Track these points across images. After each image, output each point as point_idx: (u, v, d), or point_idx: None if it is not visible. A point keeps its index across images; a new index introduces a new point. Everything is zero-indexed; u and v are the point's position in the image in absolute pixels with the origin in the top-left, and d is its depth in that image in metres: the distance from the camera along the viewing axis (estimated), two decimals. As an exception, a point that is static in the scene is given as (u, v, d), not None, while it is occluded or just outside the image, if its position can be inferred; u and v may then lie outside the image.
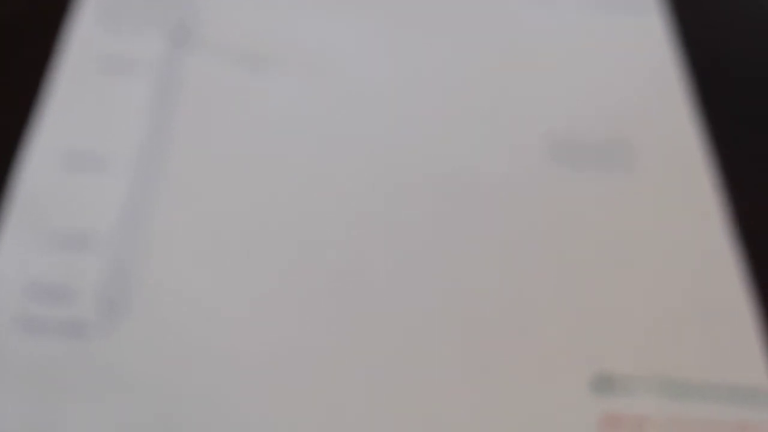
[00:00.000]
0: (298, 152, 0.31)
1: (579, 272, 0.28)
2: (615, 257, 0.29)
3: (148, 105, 0.32)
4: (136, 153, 0.31)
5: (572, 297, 0.28)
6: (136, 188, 0.30)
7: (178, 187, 0.30)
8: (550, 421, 0.25)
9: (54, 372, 0.25)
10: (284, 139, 0.31)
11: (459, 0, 0.37)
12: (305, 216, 0.29)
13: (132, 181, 0.30)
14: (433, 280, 0.28)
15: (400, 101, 0.33)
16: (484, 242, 0.29)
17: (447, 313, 0.27)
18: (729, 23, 0.36)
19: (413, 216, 0.29)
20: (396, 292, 0.28)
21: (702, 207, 0.30)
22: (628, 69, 0.34)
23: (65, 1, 0.35)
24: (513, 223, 0.29)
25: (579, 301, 0.28)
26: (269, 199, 0.30)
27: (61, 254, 0.28)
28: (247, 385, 0.25)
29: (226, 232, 0.29)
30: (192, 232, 0.29)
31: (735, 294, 0.28)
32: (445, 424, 0.25)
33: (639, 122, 0.32)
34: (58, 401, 0.25)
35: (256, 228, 0.29)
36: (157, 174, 0.30)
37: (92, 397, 0.25)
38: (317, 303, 0.27)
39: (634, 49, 0.35)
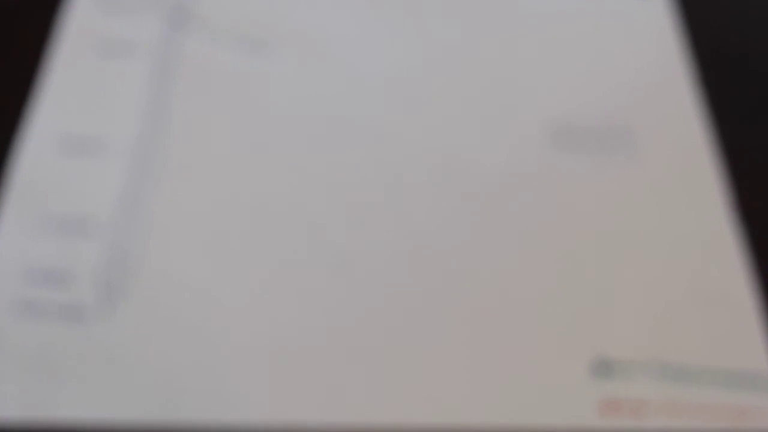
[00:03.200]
0: (298, 136, 0.31)
1: (580, 258, 0.28)
2: (616, 243, 0.29)
3: (147, 88, 0.32)
4: (134, 137, 0.30)
5: (572, 282, 0.28)
6: (135, 172, 0.30)
7: (176, 172, 0.30)
8: (550, 405, 0.25)
9: (52, 356, 0.25)
10: (284, 123, 0.31)
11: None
12: (305, 201, 0.29)
13: (130, 165, 0.30)
14: (434, 266, 0.28)
15: (400, 86, 0.33)
16: (486, 228, 0.29)
17: (448, 298, 0.27)
18: (732, 9, 0.36)
19: (415, 202, 0.29)
20: (397, 278, 0.28)
21: (704, 193, 0.30)
22: (631, 54, 0.34)
23: (62, -17, 0.35)
24: (514, 209, 0.29)
25: (579, 287, 0.28)
26: (269, 184, 0.30)
27: (60, 239, 0.28)
28: (244, 369, 0.25)
29: (225, 216, 0.29)
30: (190, 216, 0.29)
31: (736, 279, 0.28)
32: (446, 408, 0.25)
33: (641, 108, 0.32)
34: (56, 384, 0.25)
35: (255, 212, 0.29)
36: (155, 158, 0.30)
37: (90, 380, 0.25)
38: (316, 288, 0.27)
39: (637, 34, 0.35)
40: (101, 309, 0.26)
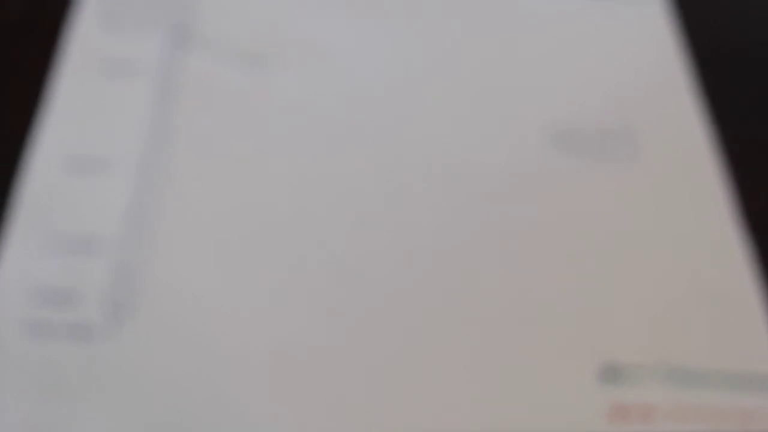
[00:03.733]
0: (301, 150, 0.31)
1: (584, 262, 0.28)
2: (620, 246, 0.29)
3: (151, 106, 0.32)
4: (139, 155, 0.31)
5: (578, 287, 0.28)
6: (141, 190, 0.30)
7: (182, 189, 0.30)
8: (558, 412, 0.25)
9: (60, 375, 0.25)
10: (287, 137, 0.31)
11: (459, -9, 0.36)
12: (309, 214, 0.29)
13: (136, 183, 0.30)
14: (438, 272, 0.28)
15: (401, 95, 0.33)
16: (489, 233, 0.29)
17: (453, 304, 0.27)
18: (732, 9, 0.36)
19: (417, 208, 0.29)
20: (401, 286, 0.28)
21: (706, 194, 0.30)
22: (631, 56, 0.34)
23: (65, 3, 0.35)
24: (517, 214, 0.29)
25: (585, 291, 0.28)
26: (274, 199, 0.30)
27: (67, 258, 0.28)
28: (253, 387, 0.25)
29: (231, 232, 0.29)
30: (197, 233, 0.29)
31: (741, 281, 0.28)
32: (454, 416, 0.25)
33: (642, 110, 0.32)
34: (64, 404, 0.25)
35: (261, 228, 0.29)
36: (161, 176, 0.30)
37: (99, 400, 0.25)
38: (323, 302, 0.27)
39: (637, 36, 0.35)
40: (109, 327, 0.27)
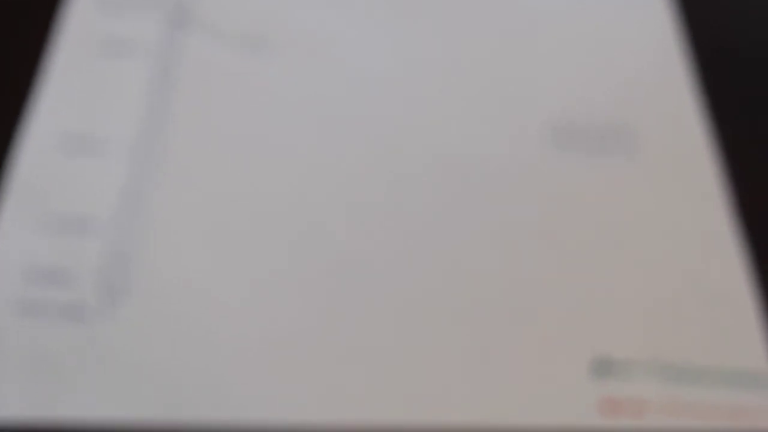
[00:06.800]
0: (299, 135, 0.31)
1: (580, 256, 0.28)
2: (616, 242, 0.29)
3: (147, 87, 0.32)
4: (134, 136, 0.30)
5: (573, 281, 0.28)
6: (135, 172, 0.30)
7: (177, 171, 0.30)
8: (549, 405, 0.25)
9: (53, 355, 0.25)
10: (284, 122, 0.31)
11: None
12: (306, 199, 0.29)
13: (131, 164, 0.30)
14: (434, 264, 0.28)
15: (400, 85, 0.33)
16: (485, 227, 0.29)
17: (448, 297, 0.27)
18: (732, 9, 0.36)
19: (414, 200, 0.29)
20: (397, 276, 0.28)
21: (703, 192, 0.30)
22: (631, 54, 0.34)
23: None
24: (514, 208, 0.29)
25: (579, 286, 0.28)
26: (269, 183, 0.30)
27: (60, 238, 0.28)
28: (246, 368, 0.25)
29: (226, 215, 0.29)
30: (191, 215, 0.29)
31: (735, 278, 0.28)
32: (446, 408, 0.25)
33: (641, 107, 0.32)
34: (57, 384, 0.25)
35: (256, 211, 0.29)
36: (156, 157, 0.30)
37: (91, 379, 0.25)
38: (317, 286, 0.27)
39: (637, 34, 0.35)
40: (102, 308, 0.26)
